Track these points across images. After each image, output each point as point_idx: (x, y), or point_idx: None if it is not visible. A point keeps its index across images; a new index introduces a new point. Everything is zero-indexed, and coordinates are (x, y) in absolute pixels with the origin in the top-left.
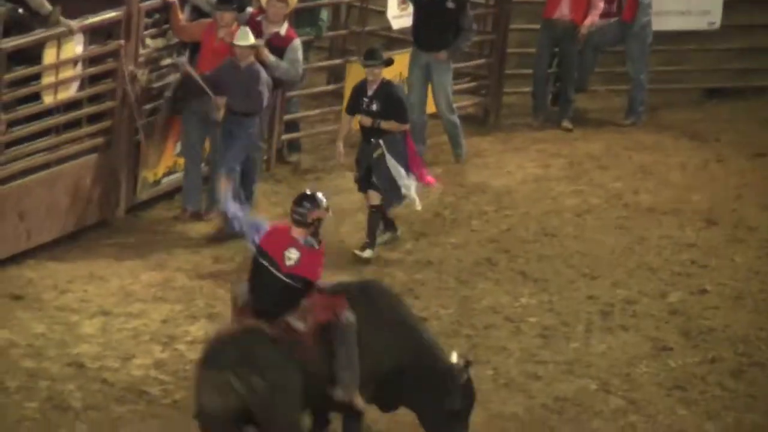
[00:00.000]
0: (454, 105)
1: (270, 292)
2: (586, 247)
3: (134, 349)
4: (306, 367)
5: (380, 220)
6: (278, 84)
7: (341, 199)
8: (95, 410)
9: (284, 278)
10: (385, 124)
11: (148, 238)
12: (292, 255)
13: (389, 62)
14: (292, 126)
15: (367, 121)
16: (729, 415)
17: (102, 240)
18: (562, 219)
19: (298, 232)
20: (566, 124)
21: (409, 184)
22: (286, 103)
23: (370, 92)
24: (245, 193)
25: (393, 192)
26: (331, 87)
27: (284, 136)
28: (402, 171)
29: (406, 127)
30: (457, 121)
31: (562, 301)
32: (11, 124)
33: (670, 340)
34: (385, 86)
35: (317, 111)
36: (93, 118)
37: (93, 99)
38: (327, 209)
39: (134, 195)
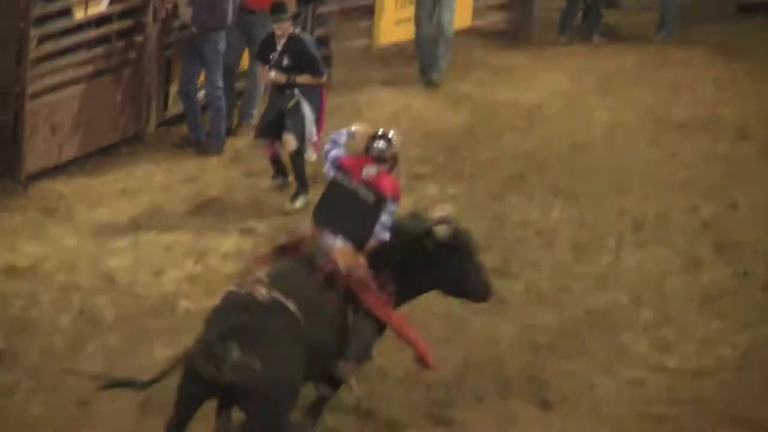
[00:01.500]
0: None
1: (341, 205)
2: (617, 161)
3: (166, 263)
4: (314, 339)
5: (303, 163)
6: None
7: (373, 113)
8: (127, 323)
9: (357, 188)
10: (300, 79)
11: (179, 152)
12: (371, 170)
13: (296, 15)
14: (324, 40)
15: (282, 78)
16: (761, 327)
17: (133, 155)
18: (593, 134)
19: (372, 167)
20: (597, 38)
21: (310, 137)
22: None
23: (279, 47)
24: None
25: (305, 140)
26: (362, 2)
27: None
28: (312, 121)
29: (322, 79)
30: (450, 42)
31: (594, 215)
32: (42, 39)
33: (702, 254)
34: (293, 40)
35: (349, 26)
36: (124, 34)
37: (123, 14)
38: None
39: (165, 110)
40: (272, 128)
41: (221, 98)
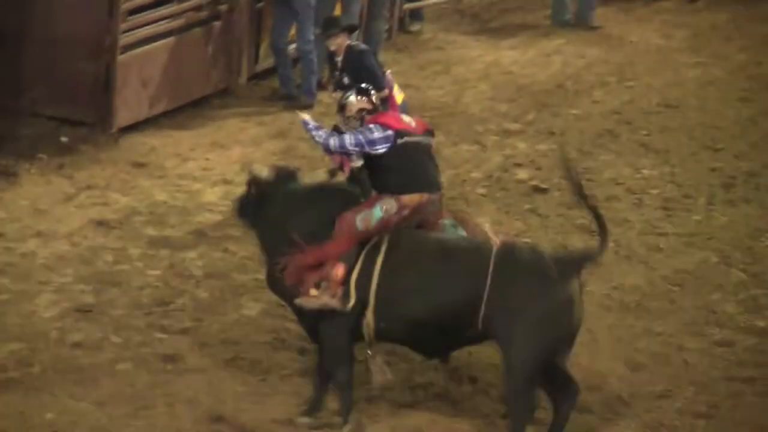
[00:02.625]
0: None
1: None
2: (708, 118)
3: None
4: None
5: None
6: None
7: (463, 68)
8: (216, 278)
9: (422, 139)
10: None
11: (270, 106)
12: (410, 120)
13: (352, 28)
14: None
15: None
16: None
17: (224, 108)
18: (684, 90)
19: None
20: None
21: None
22: None
23: (338, 65)
24: None
25: None
26: None
27: (407, 5)
28: None
29: (384, 94)
30: None
31: (684, 172)
32: None
33: None
34: (350, 56)
35: None
36: None
37: None
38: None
39: (256, 63)
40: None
41: (312, 52)
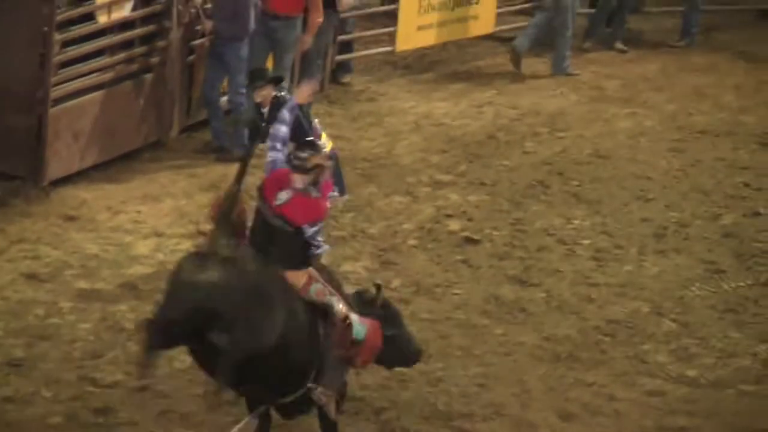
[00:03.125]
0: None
1: (262, 233)
2: (639, 169)
3: None
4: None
5: None
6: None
7: (395, 119)
8: None
9: (271, 218)
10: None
11: (202, 158)
12: (283, 196)
13: (278, 79)
14: (345, 46)
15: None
16: None
17: (156, 161)
18: (615, 141)
19: (298, 179)
20: (620, 45)
21: None
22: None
23: (265, 115)
24: None
25: None
26: (384, 8)
27: (338, 57)
28: None
29: None
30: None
31: (616, 223)
32: (66, 43)
33: (723, 263)
34: (277, 106)
35: (371, 32)
36: (147, 38)
37: (147, 19)
38: (328, 158)
39: (188, 115)
40: None
41: (244, 104)
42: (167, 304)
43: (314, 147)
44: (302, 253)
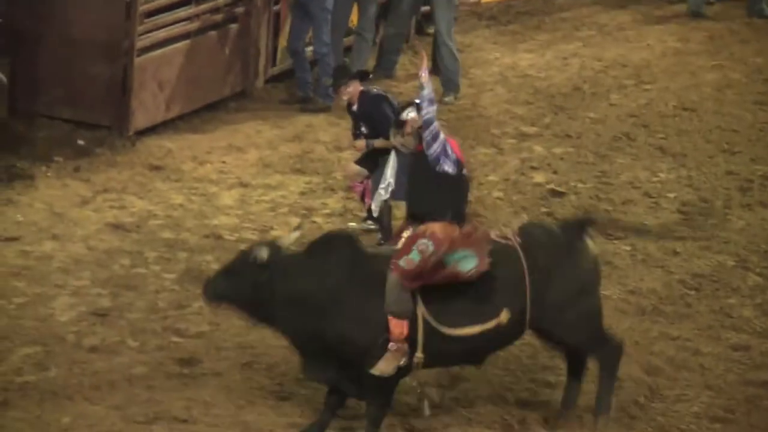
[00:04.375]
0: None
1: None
2: (725, 122)
3: (272, 221)
4: None
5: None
6: None
7: (480, 71)
8: None
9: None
10: (378, 143)
11: (286, 108)
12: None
13: (363, 75)
14: None
15: (361, 144)
16: None
17: (240, 111)
18: (701, 93)
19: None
20: None
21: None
22: None
23: (356, 113)
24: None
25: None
26: None
27: (424, 8)
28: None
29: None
30: (456, 53)
31: (701, 176)
32: None
33: None
34: (362, 104)
35: None
36: None
37: None
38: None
39: (273, 65)
40: (367, 164)
41: (329, 55)
42: None
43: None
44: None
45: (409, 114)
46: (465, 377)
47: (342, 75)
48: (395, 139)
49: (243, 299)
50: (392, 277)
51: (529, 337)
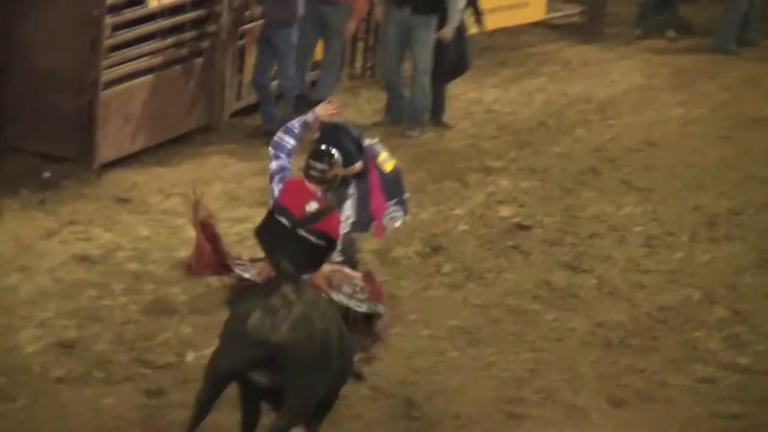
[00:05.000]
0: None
1: (289, 250)
2: (691, 157)
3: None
4: None
5: None
6: None
7: (446, 106)
8: (200, 313)
9: (299, 231)
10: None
11: (252, 142)
12: (312, 206)
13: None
14: None
15: None
16: None
17: (206, 144)
18: (667, 129)
19: (314, 188)
20: (671, 33)
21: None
22: None
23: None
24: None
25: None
26: None
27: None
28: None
29: (354, 169)
30: (428, 90)
31: (667, 210)
32: (116, 27)
33: None
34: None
35: None
36: (197, 23)
37: (197, 3)
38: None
39: (238, 99)
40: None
41: (294, 88)
42: (232, 355)
43: (330, 156)
44: (324, 259)
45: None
46: None
47: (303, 103)
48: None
49: None
50: None
51: (495, 370)
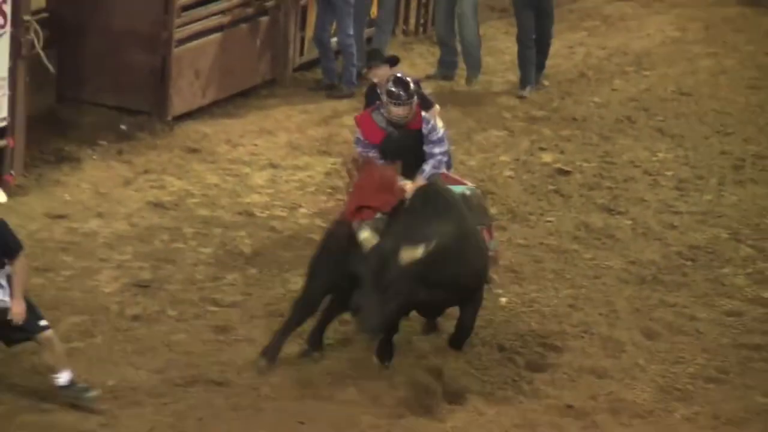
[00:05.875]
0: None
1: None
2: (719, 105)
3: (300, 199)
4: None
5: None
6: None
7: (492, 59)
8: (264, 255)
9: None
10: None
11: (314, 95)
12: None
13: (394, 60)
14: None
15: None
16: None
17: (271, 97)
18: (697, 79)
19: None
20: None
21: None
22: None
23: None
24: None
25: None
26: None
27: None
28: None
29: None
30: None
31: (697, 155)
32: None
33: None
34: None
35: None
36: None
37: None
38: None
39: (301, 55)
40: None
41: (352, 45)
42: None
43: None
44: None
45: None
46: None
47: (374, 57)
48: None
49: None
50: None
51: (537, 305)
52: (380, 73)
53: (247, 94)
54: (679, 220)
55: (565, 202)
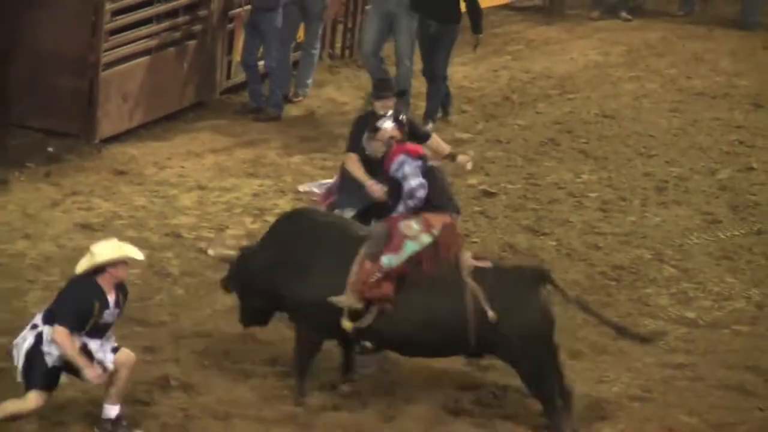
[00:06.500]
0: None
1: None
2: (642, 127)
3: (227, 221)
4: None
5: None
6: None
7: (417, 82)
8: (191, 276)
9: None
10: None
11: (240, 118)
12: None
13: (402, 93)
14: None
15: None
16: None
17: (198, 120)
18: (620, 102)
19: None
20: (625, 14)
21: None
22: None
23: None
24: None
25: None
26: None
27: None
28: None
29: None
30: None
31: (620, 177)
32: (116, 12)
33: (720, 214)
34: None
35: None
36: (190, 8)
37: None
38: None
39: (228, 78)
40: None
41: (277, 69)
42: None
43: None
44: None
45: (384, 124)
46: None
47: (386, 88)
48: (366, 144)
49: None
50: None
51: None
52: (389, 105)
53: (174, 117)
54: (603, 241)
55: (490, 223)
